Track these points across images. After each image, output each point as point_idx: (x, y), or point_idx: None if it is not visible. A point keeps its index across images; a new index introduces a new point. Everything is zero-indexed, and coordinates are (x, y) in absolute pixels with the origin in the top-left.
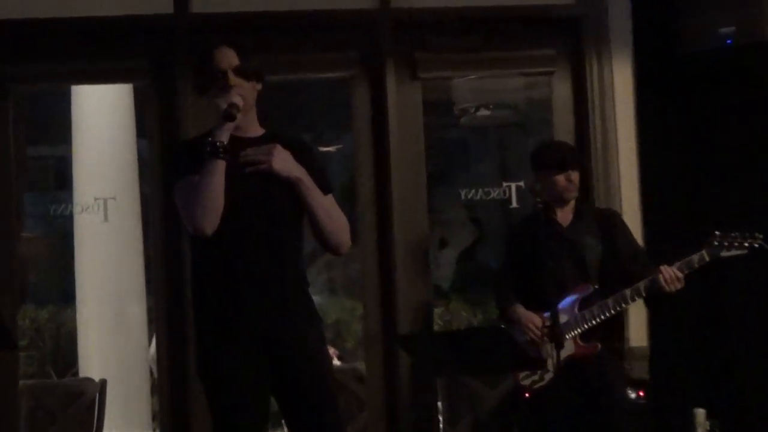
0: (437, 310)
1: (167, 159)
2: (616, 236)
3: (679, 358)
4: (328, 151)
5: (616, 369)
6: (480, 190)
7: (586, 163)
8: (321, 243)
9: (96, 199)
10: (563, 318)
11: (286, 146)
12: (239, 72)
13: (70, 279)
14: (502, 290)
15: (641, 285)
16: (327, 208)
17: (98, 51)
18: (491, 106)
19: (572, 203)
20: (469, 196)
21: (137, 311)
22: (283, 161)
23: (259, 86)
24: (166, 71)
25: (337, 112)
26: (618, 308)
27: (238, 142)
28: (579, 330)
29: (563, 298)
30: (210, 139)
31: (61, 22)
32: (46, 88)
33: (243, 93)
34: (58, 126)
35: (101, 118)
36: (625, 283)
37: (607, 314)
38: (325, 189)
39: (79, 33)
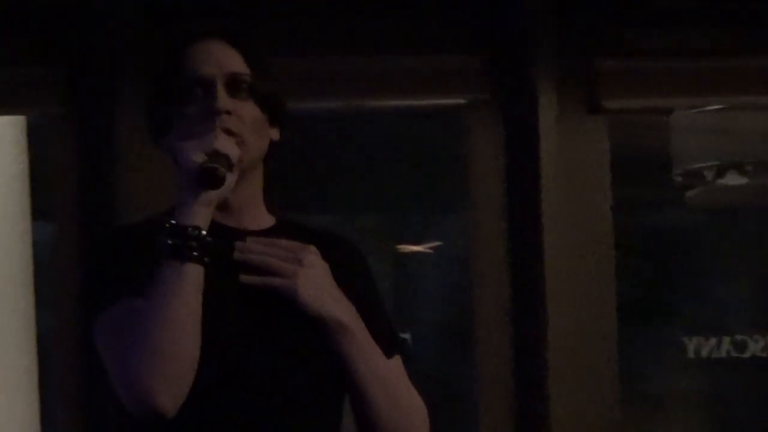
0: None
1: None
2: None
3: None
4: (417, 254)
5: None
6: (726, 340)
7: None
8: None
9: None
10: None
11: (321, 253)
12: (239, 86)
13: None
14: None
15: None
16: (388, 381)
17: None
18: (750, 168)
19: None
20: (704, 352)
21: None
22: (318, 285)
23: (275, 133)
24: (100, 92)
25: (435, 176)
26: None
27: (227, 237)
28: None
29: None
30: (171, 222)
31: None
32: None
33: (243, 131)
34: None
35: None
36: None
37: None
38: (389, 346)
39: None
